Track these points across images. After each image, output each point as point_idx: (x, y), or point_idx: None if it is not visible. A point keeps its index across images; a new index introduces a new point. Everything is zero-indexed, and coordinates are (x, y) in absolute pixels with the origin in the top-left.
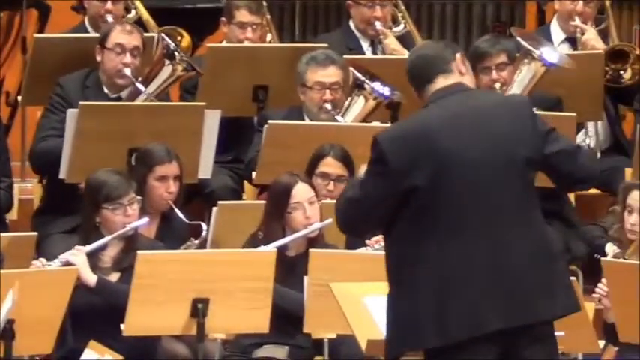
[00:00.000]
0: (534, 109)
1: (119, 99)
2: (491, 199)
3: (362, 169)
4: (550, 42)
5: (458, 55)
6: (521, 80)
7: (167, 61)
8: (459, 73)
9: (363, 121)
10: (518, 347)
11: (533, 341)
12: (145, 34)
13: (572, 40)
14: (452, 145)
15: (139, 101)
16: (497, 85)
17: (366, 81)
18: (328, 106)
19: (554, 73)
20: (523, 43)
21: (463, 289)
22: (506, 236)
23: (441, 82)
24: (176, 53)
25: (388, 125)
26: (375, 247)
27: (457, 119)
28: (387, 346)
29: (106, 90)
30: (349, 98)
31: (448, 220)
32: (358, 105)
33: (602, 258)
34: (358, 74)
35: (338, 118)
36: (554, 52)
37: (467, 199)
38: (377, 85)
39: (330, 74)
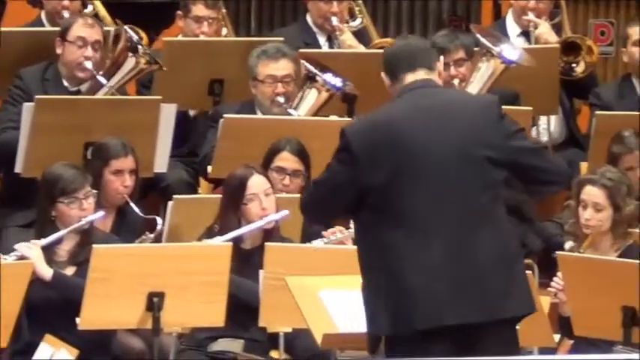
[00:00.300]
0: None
1: (78, 92)
2: (454, 196)
3: None
4: (506, 36)
5: (442, 57)
6: (480, 77)
7: (130, 54)
8: (438, 74)
9: (316, 113)
10: (476, 343)
11: (492, 339)
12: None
13: (527, 35)
14: (417, 140)
15: (100, 94)
16: (456, 82)
17: (318, 73)
18: (281, 99)
19: (511, 67)
20: (483, 40)
21: (423, 282)
22: (469, 233)
23: (421, 75)
24: (139, 46)
25: (346, 119)
26: (331, 238)
27: (425, 114)
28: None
29: (65, 83)
30: (301, 91)
31: (410, 214)
32: (311, 97)
33: (558, 252)
34: (309, 66)
35: (291, 111)
36: (515, 49)
37: (430, 195)
38: (328, 77)
39: (282, 67)
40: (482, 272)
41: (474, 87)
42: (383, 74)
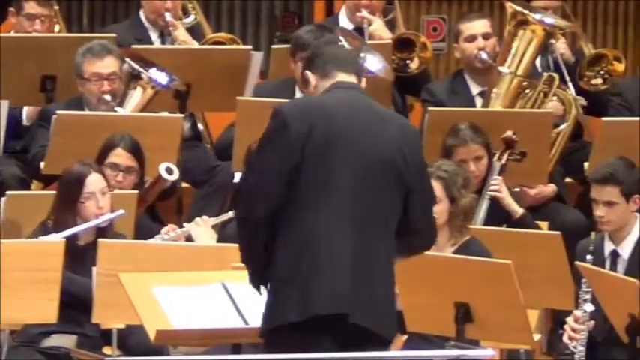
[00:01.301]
0: None
1: None
2: (367, 197)
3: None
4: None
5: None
6: None
7: None
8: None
9: (143, 110)
10: (354, 341)
11: (367, 341)
12: None
13: (360, 31)
14: (344, 129)
15: None
16: None
17: (141, 70)
18: (107, 97)
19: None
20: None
21: (329, 272)
22: (372, 238)
23: (353, 80)
24: None
25: (178, 115)
26: (165, 237)
27: (355, 111)
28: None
29: None
30: (127, 89)
31: (319, 197)
32: (136, 95)
33: None
34: (133, 64)
35: (117, 108)
36: (379, 62)
37: (342, 186)
38: (153, 73)
39: (107, 65)
40: (376, 281)
41: None
42: (308, 72)
